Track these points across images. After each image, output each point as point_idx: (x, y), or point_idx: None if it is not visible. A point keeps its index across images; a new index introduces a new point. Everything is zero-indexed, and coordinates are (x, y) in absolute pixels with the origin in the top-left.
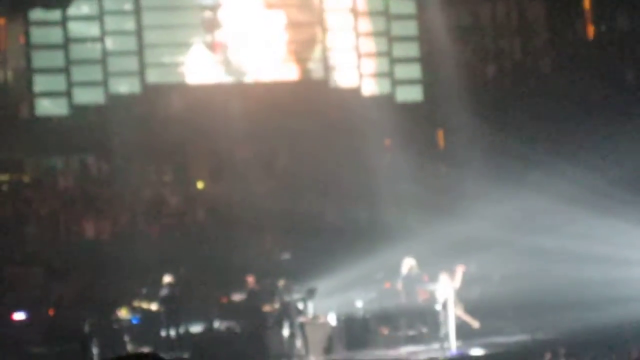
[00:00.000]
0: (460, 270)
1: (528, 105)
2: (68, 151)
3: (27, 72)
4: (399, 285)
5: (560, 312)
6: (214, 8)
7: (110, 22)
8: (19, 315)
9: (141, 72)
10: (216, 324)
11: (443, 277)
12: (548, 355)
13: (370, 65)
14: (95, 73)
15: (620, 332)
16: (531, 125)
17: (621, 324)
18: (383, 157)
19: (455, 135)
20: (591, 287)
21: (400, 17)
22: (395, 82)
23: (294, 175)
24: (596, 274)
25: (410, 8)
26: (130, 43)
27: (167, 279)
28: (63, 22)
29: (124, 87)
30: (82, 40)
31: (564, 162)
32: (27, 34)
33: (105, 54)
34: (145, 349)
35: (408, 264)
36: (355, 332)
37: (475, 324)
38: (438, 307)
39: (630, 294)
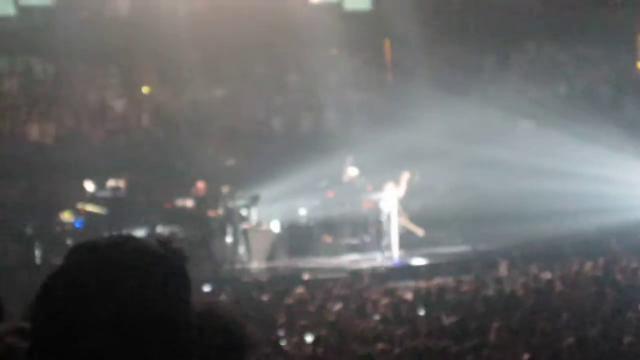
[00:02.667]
0: (405, 178)
1: (477, 15)
2: (13, 53)
3: None
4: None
5: (503, 224)
6: None
7: None
8: None
9: None
10: (159, 229)
11: (388, 186)
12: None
13: None
14: None
15: (561, 244)
16: (479, 36)
17: (563, 236)
18: (329, 65)
19: (402, 45)
20: (535, 200)
21: None
22: None
23: (239, 81)
24: (540, 186)
25: None
26: None
27: (111, 182)
28: None
29: None
30: None
31: (512, 73)
32: None
33: None
34: None
35: (351, 172)
36: (298, 239)
37: (419, 232)
38: (382, 217)
39: (573, 207)
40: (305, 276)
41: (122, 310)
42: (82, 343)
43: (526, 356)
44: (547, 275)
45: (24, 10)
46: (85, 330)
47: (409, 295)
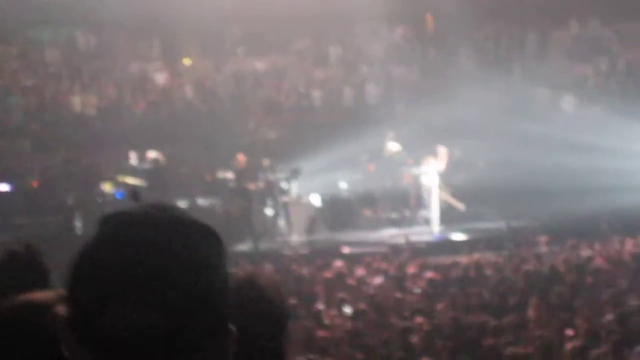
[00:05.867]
0: (442, 152)
1: None
2: (56, 24)
3: None
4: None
5: (544, 200)
6: None
7: None
8: (2, 186)
9: None
10: (199, 201)
11: (428, 161)
12: (525, 241)
13: None
14: None
15: (601, 221)
16: (522, 12)
17: (603, 213)
18: (371, 39)
19: (445, 19)
20: (575, 176)
21: None
22: None
23: (281, 54)
24: (581, 163)
25: None
26: None
27: (151, 154)
28: None
29: None
30: None
31: (554, 49)
32: None
33: None
34: None
35: (391, 147)
36: (339, 213)
37: (460, 206)
38: (423, 191)
39: (614, 183)
40: (345, 250)
41: (157, 281)
42: (116, 317)
43: (569, 332)
44: (587, 251)
45: None
46: (119, 305)
47: (448, 270)
